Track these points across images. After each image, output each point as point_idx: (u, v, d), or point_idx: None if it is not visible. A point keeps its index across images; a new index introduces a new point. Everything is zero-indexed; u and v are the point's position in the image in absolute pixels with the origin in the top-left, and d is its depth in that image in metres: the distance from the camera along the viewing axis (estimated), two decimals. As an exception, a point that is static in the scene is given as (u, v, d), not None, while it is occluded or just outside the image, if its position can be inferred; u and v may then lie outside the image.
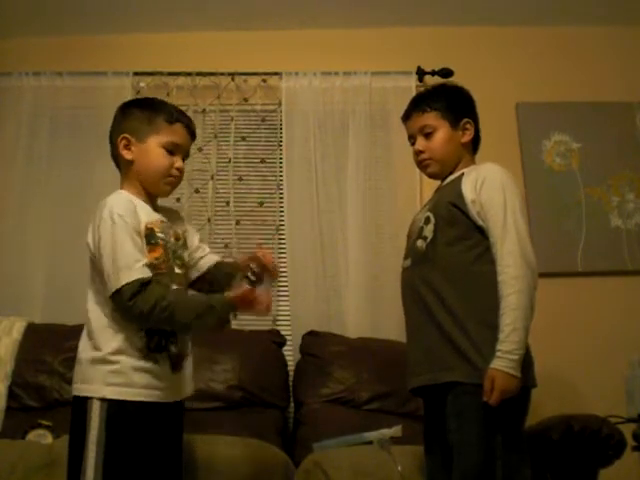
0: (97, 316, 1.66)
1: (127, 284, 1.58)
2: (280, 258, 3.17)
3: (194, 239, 1.89)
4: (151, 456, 1.66)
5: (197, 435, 2.02)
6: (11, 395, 2.59)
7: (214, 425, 2.37)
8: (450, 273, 1.77)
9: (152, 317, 1.60)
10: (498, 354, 1.64)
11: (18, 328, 2.72)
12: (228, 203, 3.21)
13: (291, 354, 2.95)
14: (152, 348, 1.66)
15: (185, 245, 1.82)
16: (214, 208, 3.20)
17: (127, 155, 1.74)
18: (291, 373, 2.86)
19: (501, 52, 3.43)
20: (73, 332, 2.67)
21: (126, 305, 1.59)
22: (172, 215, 1.87)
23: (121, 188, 1.77)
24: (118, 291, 1.59)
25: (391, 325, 2.88)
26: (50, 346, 2.68)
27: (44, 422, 2.37)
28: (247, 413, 2.62)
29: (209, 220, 3.16)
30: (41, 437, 2.33)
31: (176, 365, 1.71)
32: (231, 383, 2.64)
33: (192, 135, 1.83)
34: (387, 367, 2.69)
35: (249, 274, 1.72)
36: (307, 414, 2.65)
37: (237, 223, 3.19)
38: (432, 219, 1.83)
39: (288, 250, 3.12)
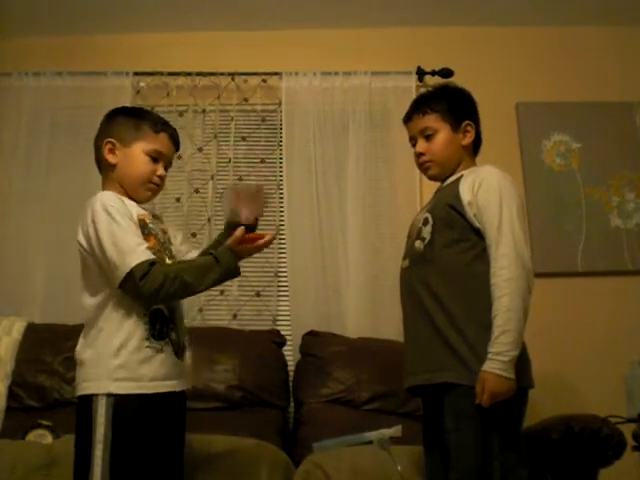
0: (96, 314, 1.68)
1: (136, 266, 1.62)
2: (280, 258, 3.17)
3: (177, 235, 1.94)
4: (157, 449, 1.67)
5: (197, 435, 2.02)
6: (11, 395, 2.59)
7: (214, 425, 2.37)
8: (447, 274, 1.77)
9: (164, 290, 1.63)
10: (489, 356, 1.65)
11: (18, 328, 2.72)
12: (228, 203, 3.20)
13: (291, 354, 2.95)
14: (156, 335, 1.68)
15: (170, 240, 1.87)
16: (214, 208, 3.20)
17: (111, 159, 1.80)
18: (291, 373, 2.86)
19: (501, 52, 3.43)
20: (73, 332, 2.66)
21: (137, 286, 1.62)
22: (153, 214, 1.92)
23: (103, 190, 1.80)
24: (128, 275, 1.62)
25: (391, 325, 2.87)
26: (50, 346, 2.68)
27: (44, 422, 2.37)
28: (247, 413, 2.62)
29: (209, 220, 3.16)
30: (41, 437, 2.33)
31: (178, 352, 1.74)
32: (231, 383, 2.64)
33: (176, 145, 1.89)
34: (387, 367, 2.68)
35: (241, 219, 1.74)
36: (307, 414, 2.65)
37: (237, 223, 3.18)
38: (430, 220, 1.84)
39: (288, 250, 3.12)
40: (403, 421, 2.36)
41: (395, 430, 2.06)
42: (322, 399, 2.67)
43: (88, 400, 1.63)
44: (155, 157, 1.80)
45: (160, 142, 1.82)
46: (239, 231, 1.70)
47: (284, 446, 2.44)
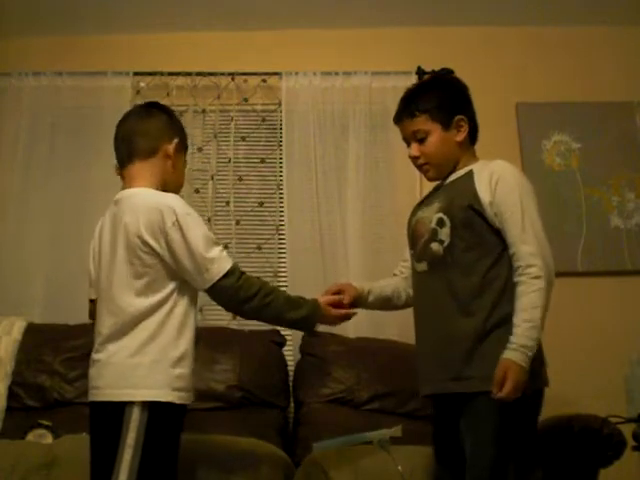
0: (145, 316, 1.63)
1: (232, 268, 1.66)
2: (280, 258, 3.18)
3: None
4: (176, 455, 1.68)
5: (197, 435, 2.02)
6: (11, 395, 2.59)
7: (214, 425, 2.37)
8: (471, 279, 1.74)
9: (256, 300, 1.67)
10: (513, 346, 1.62)
11: (18, 328, 2.72)
12: (228, 203, 3.21)
13: (291, 354, 2.95)
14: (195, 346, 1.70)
15: None
16: (214, 208, 3.20)
17: (174, 159, 1.81)
18: (291, 373, 2.86)
19: (501, 52, 3.43)
20: (73, 332, 2.70)
21: (234, 287, 1.65)
22: None
23: (141, 183, 1.75)
24: (226, 275, 1.64)
25: (391, 325, 2.87)
26: (50, 346, 2.68)
27: (44, 422, 2.37)
28: (247, 413, 2.61)
29: (209, 220, 3.16)
30: (41, 437, 2.33)
31: None
32: (231, 383, 2.64)
33: None
34: (387, 367, 2.69)
35: None
36: (307, 414, 2.65)
37: (237, 223, 3.19)
38: (447, 222, 1.78)
39: (288, 250, 3.12)
40: (403, 421, 2.36)
41: (395, 430, 2.05)
42: (322, 399, 2.67)
43: (120, 404, 1.58)
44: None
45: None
46: (331, 294, 1.87)
47: (284, 446, 2.43)
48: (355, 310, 1.92)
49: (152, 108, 1.88)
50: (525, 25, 3.43)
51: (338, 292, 1.94)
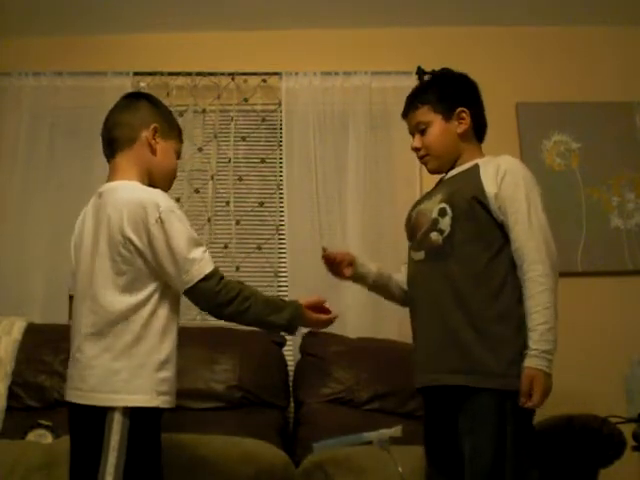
0: (127, 315, 1.59)
1: (214, 270, 1.63)
2: (280, 258, 3.18)
3: None
4: (159, 459, 1.66)
5: (197, 435, 2.02)
6: (11, 395, 2.59)
7: (214, 425, 2.37)
8: (470, 271, 1.72)
9: (235, 305, 1.64)
10: (535, 353, 1.61)
11: (18, 328, 2.72)
12: (228, 203, 3.21)
13: (291, 354, 2.95)
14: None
15: None
16: (214, 208, 3.21)
17: (155, 145, 1.76)
18: (291, 373, 2.86)
19: (501, 52, 3.44)
20: (73, 332, 2.69)
21: (213, 291, 1.62)
22: None
23: (125, 176, 1.72)
24: (206, 278, 1.61)
25: (391, 325, 2.88)
26: (50, 346, 2.68)
27: (44, 422, 2.37)
28: (247, 413, 2.61)
29: (209, 220, 3.16)
30: (41, 437, 2.33)
31: None
32: (231, 383, 2.64)
33: None
34: (387, 367, 2.69)
35: None
36: (307, 414, 2.65)
37: (237, 223, 3.19)
38: (449, 212, 1.77)
39: (288, 250, 3.12)
40: (403, 421, 2.35)
41: (395, 430, 2.05)
42: (322, 399, 2.67)
43: (102, 408, 1.55)
44: (177, 158, 1.85)
45: (180, 148, 1.87)
46: (315, 296, 1.79)
47: (284, 446, 2.43)
48: (337, 314, 1.85)
49: (131, 98, 1.84)
50: (525, 25, 3.43)
51: (323, 308, 1.85)
